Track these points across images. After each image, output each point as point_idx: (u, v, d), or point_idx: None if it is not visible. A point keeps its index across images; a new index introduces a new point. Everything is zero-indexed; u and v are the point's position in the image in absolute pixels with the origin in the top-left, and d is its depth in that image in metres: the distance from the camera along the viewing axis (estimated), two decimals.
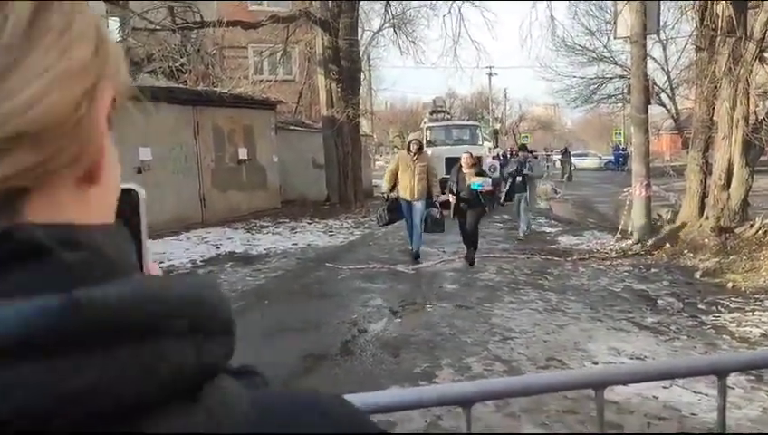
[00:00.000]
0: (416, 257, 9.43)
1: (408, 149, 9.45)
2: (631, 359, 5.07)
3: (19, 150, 0.33)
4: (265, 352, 5.05)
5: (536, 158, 17.47)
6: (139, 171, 11.82)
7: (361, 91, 20.09)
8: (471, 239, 9.17)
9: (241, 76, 20.56)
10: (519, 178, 12.43)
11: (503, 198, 13.08)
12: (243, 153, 15.00)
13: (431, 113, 21.98)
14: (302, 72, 23.62)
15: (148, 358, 0.34)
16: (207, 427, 0.37)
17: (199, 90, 14.16)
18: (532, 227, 13.06)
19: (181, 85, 15.04)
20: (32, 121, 0.34)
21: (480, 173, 9.27)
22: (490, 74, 51.41)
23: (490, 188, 9.21)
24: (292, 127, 18.25)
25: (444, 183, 9.77)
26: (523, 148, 14.77)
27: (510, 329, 5.86)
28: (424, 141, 18.67)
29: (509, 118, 60.51)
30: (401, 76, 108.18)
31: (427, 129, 19.24)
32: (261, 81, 22.46)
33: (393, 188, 9.50)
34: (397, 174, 9.41)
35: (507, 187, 12.76)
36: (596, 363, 4.94)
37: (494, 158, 18.29)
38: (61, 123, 0.35)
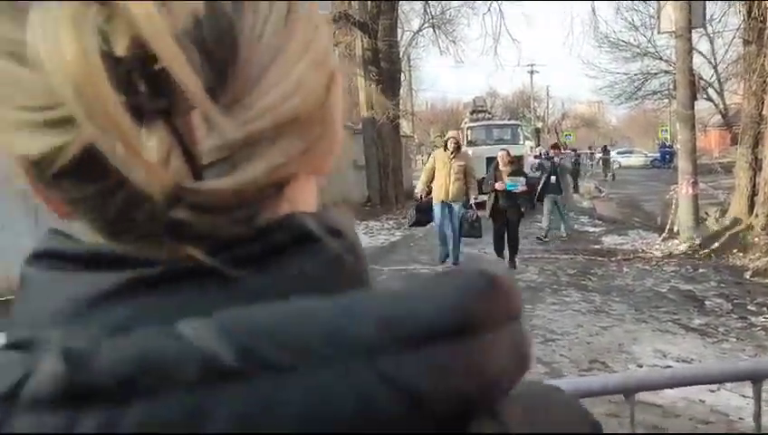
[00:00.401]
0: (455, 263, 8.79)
1: (445, 147, 9.04)
2: (677, 362, 4.97)
3: (289, 137, 0.34)
4: None
5: (578, 155, 17.17)
6: None
7: (401, 91, 20.14)
8: (512, 243, 8.84)
9: None
10: (553, 178, 11.73)
11: (536, 198, 12.19)
12: None
13: (471, 113, 21.88)
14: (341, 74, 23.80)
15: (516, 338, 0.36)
16: (497, 427, 0.36)
17: None
18: (575, 226, 12.89)
19: None
20: (299, 104, 0.34)
21: (516, 172, 8.86)
22: (531, 72, 51.05)
23: (524, 188, 8.77)
24: None
25: (481, 183, 9.55)
26: (554, 146, 14.31)
27: (552, 331, 5.81)
28: (464, 141, 18.62)
29: (551, 116, 59.79)
30: (441, 76, 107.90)
31: (467, 129, 19.14)
32: None
33: (430, 189, 9.07)
34: (434, 173, 9.03)
35: (540, 186, 11.88)
36: (641, 366, 4.87)
37: (535, 157, 18.12)
38: (315, 109, 0.36)
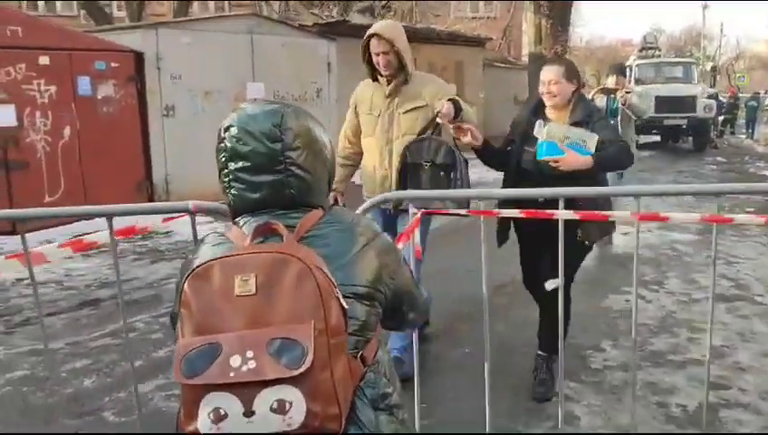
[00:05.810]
0: None
1: (374, 74, 3.58)
2: None
3: None
4: None
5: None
6: None
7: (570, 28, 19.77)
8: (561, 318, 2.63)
9: (444, 14, 21.16)
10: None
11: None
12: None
13: (640, 50, 21.01)
14: (506, 9, 23.70)
15: None
16: None
17: (417, 27, 15.09)
18: (751, 170, 12.42)
19: (404, 24, 16.09)
20: None
21: (583, 123, 3.17)
22: (704, 6, 47.10)
23: (588, 162, 3.02)
24: (497, 64, 18.68)
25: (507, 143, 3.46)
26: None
27: (735, 256, 6.14)
28: (631, 80, 18.03)
29: (723, 55, 55.03)
30: (599, 12, 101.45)
31: (635, 66, 18.54)
32: (462, 18, 22.92)
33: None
34: (357, 137, 3.74)
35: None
36: None
37: (709, 97, 17.32)
38: None
